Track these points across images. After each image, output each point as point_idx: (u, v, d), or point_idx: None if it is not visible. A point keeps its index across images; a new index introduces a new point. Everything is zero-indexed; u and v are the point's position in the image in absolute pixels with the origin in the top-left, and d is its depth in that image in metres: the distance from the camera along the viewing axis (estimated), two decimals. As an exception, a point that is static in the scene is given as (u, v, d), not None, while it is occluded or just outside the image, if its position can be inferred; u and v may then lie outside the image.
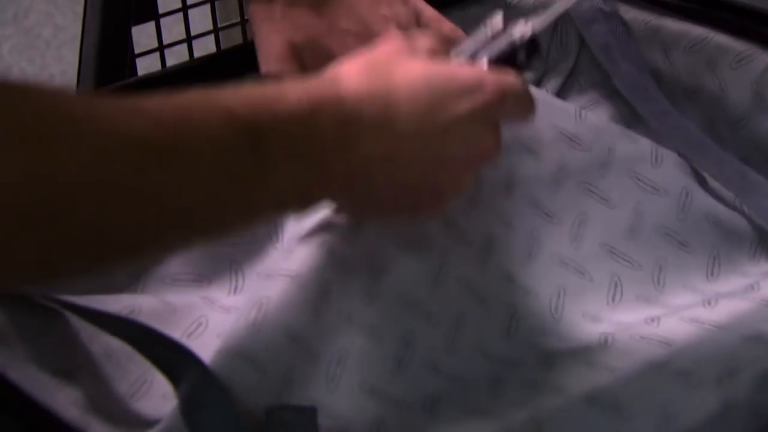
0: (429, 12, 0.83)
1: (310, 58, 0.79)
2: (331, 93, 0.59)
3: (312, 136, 0.57)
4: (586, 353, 0.66)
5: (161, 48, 1.00)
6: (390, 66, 0.62)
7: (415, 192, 0.63)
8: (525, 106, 0.66)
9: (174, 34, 1.03)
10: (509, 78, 0.64)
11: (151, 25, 1.00)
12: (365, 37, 0.76)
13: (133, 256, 0.55)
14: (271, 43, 0.81)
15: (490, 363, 0.65)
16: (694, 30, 0.87)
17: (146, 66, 1.00)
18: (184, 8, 1.01)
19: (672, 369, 0.57)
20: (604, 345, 0.66)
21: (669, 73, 0.88)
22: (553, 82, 0.91)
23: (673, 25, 0.88)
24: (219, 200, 0.54)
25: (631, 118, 0.88)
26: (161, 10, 1.00)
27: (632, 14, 0.90)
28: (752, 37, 0.85)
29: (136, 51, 0.99)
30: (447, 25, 0.83)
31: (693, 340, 0.61)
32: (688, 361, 0.58)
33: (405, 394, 0.62)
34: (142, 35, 1.01)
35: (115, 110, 0.50)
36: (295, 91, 0.58)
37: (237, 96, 0.55)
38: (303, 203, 0.59)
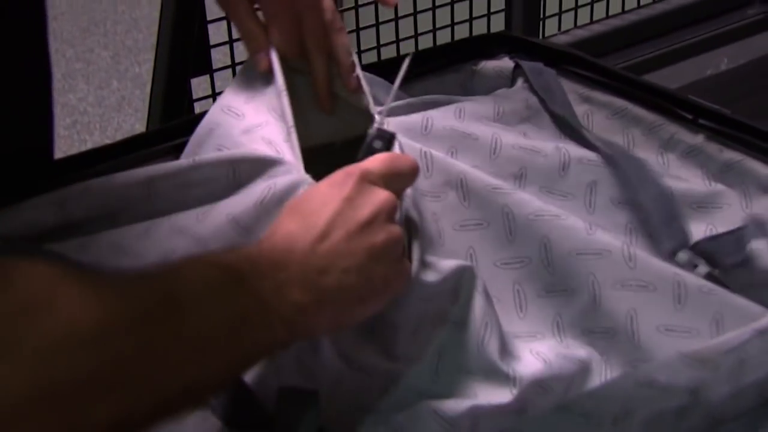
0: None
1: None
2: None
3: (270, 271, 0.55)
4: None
5: (214, 95, 1.10)
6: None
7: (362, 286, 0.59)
8: (399, 176, 0.63)
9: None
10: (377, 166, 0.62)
11: (207, 77, 1.09)
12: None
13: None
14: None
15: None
16: (617, 102, 0.88)
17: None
18: (233, 65, 1.10)
19: (576, 411, 0.55)
20: (515, 383, 0.62)
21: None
22: None
23: (601, 96, 0.90)
24: (211, 318, 0.52)
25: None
26: (215, 66, 1.09)
27: (569, 86, 0.91)
28: (662, 111, 0.87)
29: (194, 96, 1.08)
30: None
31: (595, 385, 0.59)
32: (591, 403, 0.55)
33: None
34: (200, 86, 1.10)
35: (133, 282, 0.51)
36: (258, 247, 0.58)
37: (225, 254, 0.56)
38: (284, 313, 0.55)
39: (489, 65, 0.94)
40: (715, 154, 0.83)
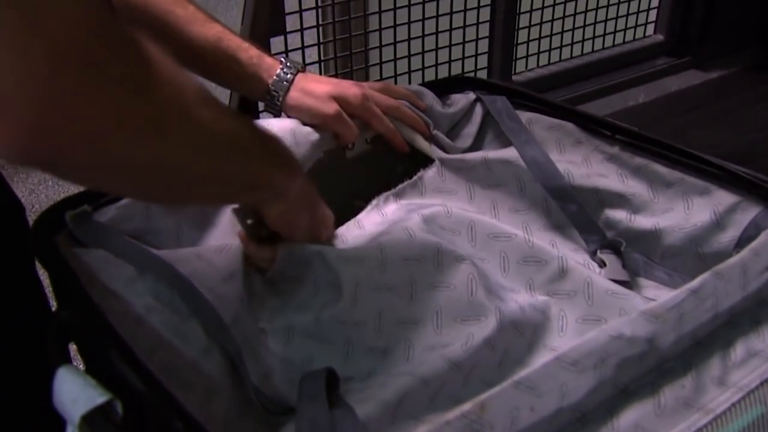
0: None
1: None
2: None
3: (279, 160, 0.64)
4: (519, 359, 0.65)
5: (286, 50, 1.07)
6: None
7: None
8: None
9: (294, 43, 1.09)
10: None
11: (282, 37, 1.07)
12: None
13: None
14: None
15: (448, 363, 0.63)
16: (554, 121, 0.85)
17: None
18: (301, 29, 1.08)
19: (567, 360, 0.53)
20: (498, 313, 0.66)
21: None
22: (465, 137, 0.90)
23: (541, 119, 0.86)
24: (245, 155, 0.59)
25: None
26: (288, 29, 1.06)
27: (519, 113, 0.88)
28: (587, 130, 0.84)
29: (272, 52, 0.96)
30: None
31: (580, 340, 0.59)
32: (576, 354, 0.53)
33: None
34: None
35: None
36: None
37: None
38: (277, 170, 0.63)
39: (458, 96, 0.90)
40: (628, 160, 0.82)
